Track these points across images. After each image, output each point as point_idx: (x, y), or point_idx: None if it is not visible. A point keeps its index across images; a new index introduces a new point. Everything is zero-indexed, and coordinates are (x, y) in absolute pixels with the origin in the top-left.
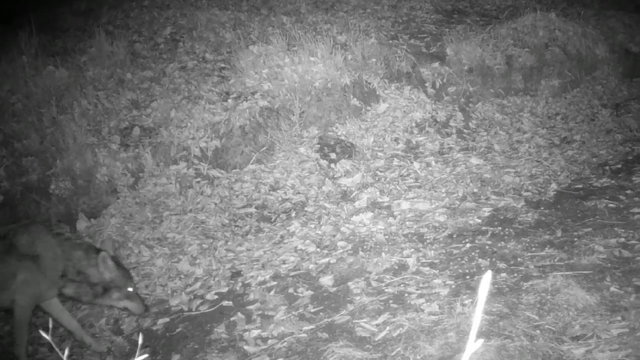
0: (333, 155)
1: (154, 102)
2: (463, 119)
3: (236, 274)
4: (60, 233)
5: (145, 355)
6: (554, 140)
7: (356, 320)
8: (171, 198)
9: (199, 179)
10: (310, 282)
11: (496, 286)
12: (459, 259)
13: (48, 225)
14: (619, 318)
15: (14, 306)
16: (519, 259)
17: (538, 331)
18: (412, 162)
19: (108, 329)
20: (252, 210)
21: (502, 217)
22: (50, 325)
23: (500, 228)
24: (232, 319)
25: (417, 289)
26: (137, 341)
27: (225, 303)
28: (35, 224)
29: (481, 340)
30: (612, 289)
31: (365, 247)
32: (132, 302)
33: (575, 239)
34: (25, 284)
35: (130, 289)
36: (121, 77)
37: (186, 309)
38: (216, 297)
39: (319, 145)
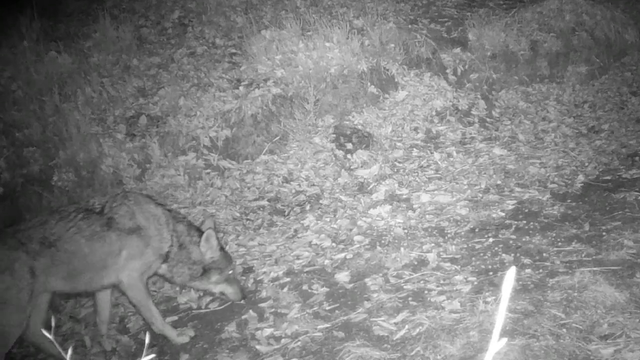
0: (349, 146)
1: (161, 90)
2: (486, 107)
3: (248, 270)
4: (161, 203)
5: (153, 355)
6: (581, 129)
7: (374, 319)
8: (179, 190)
9: (208, 171)
10: (325, 278)
11: (520, 283)
12: (481, 254)
13: (145, 194)
14: None
15: (124, 287)
16: (544, 254)
17: (564, 330)
18: (432, 153)
19: (113, 328)
20: (265, 203)
21: (526, 210)
22: (53, 324)
23: (524, 222)
24: (243, 317)
25: (437, 286)
26: (144, 340)
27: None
28: (132, 193)
29: (505, 340)
30: None
31: (383, 241)
32: (231, 287)
33: (604, 233)
34: (132, 259)
35: (230, 272)
36: (127, 64)
37: (195, 307)
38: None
39: (334, 135)
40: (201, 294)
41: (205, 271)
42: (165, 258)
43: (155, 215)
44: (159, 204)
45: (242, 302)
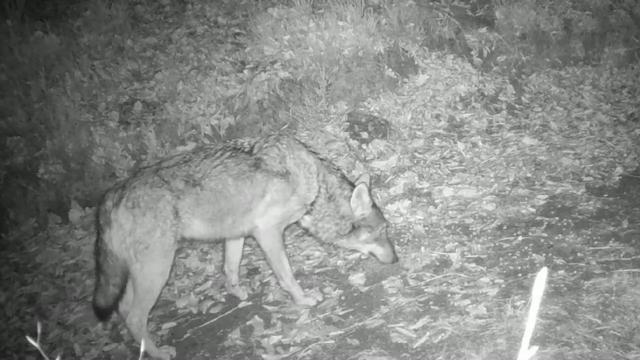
0: (365, 135)
1: (158, 74)
2: (514, 92)
3: (253, 271)
4: (314, 151)
5: None
6: (619, 117)
7: (391, 325)
8: None
9: None
10: (338, 280)
11: (553, 285)
12: (509, 254)
13: (298, 140)
14: None
15: (258, 234)
16: (578, 254)
17: (601, 337)
18: (455, 143)
19: (105, 335)
20: None
21: (559, 206)
22: (39, 331)
23: (557, 218)
24: (248, 323)
25: (461, 289)
26: (139, 349)
27: (240, 305)
28: (285, 136)
29: (535, 348)
30: None
31: (402, 240)
32: (382, 247)
33: None
34: (274, 205)
35: (382, 232)
36: (120, 45)
37: (195, 312)
38: (230, 298)
39: (348, 123)
40: (202, 297)
41: (355, 228)
42: (310, 210)
43: (306, 163)
44: (312, 151)
45: (395, 264)
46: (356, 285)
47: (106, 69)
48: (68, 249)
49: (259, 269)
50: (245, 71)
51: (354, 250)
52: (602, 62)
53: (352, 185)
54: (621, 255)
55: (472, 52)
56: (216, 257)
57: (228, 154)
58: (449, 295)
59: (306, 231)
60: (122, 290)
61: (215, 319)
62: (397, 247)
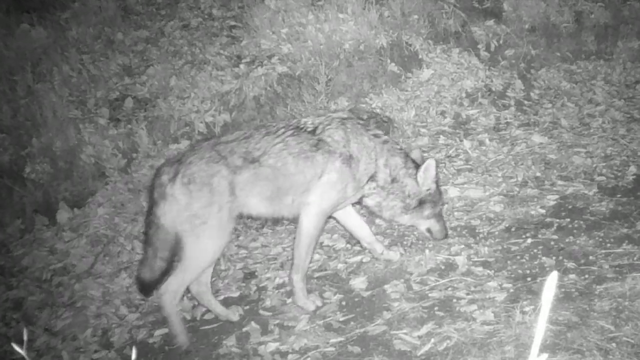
0: None
1: (150, 68)
2: (523, 88)
3: (249, 275)
4: (377, 135)
5: None
6: (633, 114)
7: (394, 331)
8: None
9: None
10: (338, 284)
11: (563, 290)
12: (518, 258)
13: (364, 123)
14: None
15: (304, 214)
16: (590, 258)
17: (614, 344)
18: (461, 141)
19: (95, 342)
20: None
21: (570, 207)
22: (25, 338)
23: (568, 220)
24: (244, 329)
25: (467, 294)
26: (130, 356)
27: (236, 310)
28: (350, 119)
29: (545, 355)
30: None
31: (405, 242)
32: (438, 223)
33: None
34: (330, 188)
35: (441, 207)
36: (111, 38)
37: (189, 318)
38: (226, 302)
39: None
40: (195, 302)
41: (420, 204)
42: (369, 192)
43: (369, 148)
44: (375, 135)
45: (443, 239)
46: (357, 289)
47: (95, 63)
48: (56, 252)
49: (256, 273)
50: (242, 66)
51: (411, 227)
52: (615, 56)
53: (415, 163)
54: (635, 258)
55: (479, 46)
56: None
57: (290, 132)
58: (454, 300)
59: (369, 210)
60: (169, 265)
61: (210, 325)
62: (399, 250)
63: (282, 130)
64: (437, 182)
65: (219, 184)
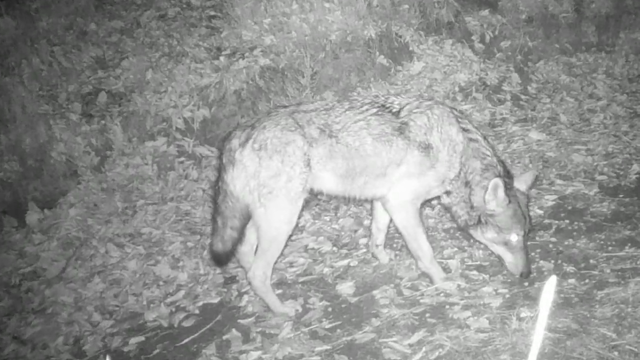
0: None
1: (124, 61)
2: (520, 81)
3: (230, 280)
4: (467, 129)
5: None
6: (636, 109)
7: (383, 339)
8: (147, 183)
9: (182, 159)
10: (324, 290)
11: (562, 295)
12: None
13: (457, 113)
14: None
15: (390, 208)
16: (591, 261)
17: (616, 353)
18: None
19: (66, 351)
20: None
21: (569, 208)
22: None
23: (567, 221)
24: (224, 337)
25: (461, 299)
26: None
27: (216, 317)
28: (440, 105)
29: None
30: None
31: (395, 245)
32: (512, 254)
33: None
34: (409, 177)
35: (514, 238)
36: (83, 29)
37: (166, 325)
38: (204, 309)
39: None
40: (173, 309)
41: (481, 222)
42: (449, 191)
43: (453, 140)
44: (465, 128)
45: (519, 277)
46: (344, 295)
47: (67, 55)
48: (25, 255)
49: (237, 278)
50: (222, 58)
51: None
52: (617, 48)
53: (501, 177)
54: (638, 262)
55: (473, 37)
56: (189, 264)
57: (374, 110)
58: (447, 306)
59: (446, 209)
60: (241, 235)
61: (188, 332)
62: (388, 252)
63: (367, 107)
64: (510, 206)
65: (292, 154)
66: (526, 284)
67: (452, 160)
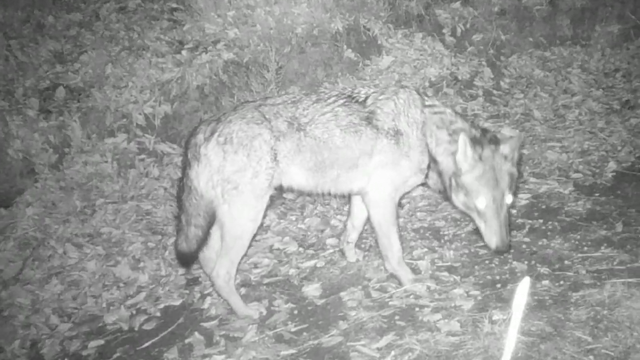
0: None
1: (83, 55)
2: (492, 76)
3: (192, 282)
4: (431, 105)
5: None
6: (612, 104)
7: (351, 343)
8: (106, 181)
9: (143, 156)
10: (290, 291)
11: (536, 298)
12: (486, 262)
13: (421, 94)
14: None
15: (368, 201)
16: (566, 262)
17: (591, 356)
18: None
19: (23, 355)
20: None
21: (544, 207)
22: None
23: (541, 221)
24: (187, 340)
25: (431, 301)
26: None
27: (178, 320)
28: (407, 90)
29: None
30: None
31: (363, 245)
32: (484, 224)
33: None
34: (384, 167)
35: (482, 204)
36: (41, 22)
37: (126, 328)
38: (166, 312)
39: None
40: (134, 311)
41: (452, 185)
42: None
43: (417, 122)
44: (429, 105)
45: (500, 255)
46: (311, 297)
47: (24, 49)
48: None
49: (200, 279)
50: (184, 52)
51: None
52: (592, 41)
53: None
54: (614, 263)
55: (444, 31)
56: (150, 265)
57: (341, 102)
58: (417, 309)
59: (436, 192)
60: (206, 234)
61: (149, 336)
62: (357, 252)
63: (334, 99)
64: (483, 162)
65: (259, 148)
66: (499, 285)
67: (422, 145)
